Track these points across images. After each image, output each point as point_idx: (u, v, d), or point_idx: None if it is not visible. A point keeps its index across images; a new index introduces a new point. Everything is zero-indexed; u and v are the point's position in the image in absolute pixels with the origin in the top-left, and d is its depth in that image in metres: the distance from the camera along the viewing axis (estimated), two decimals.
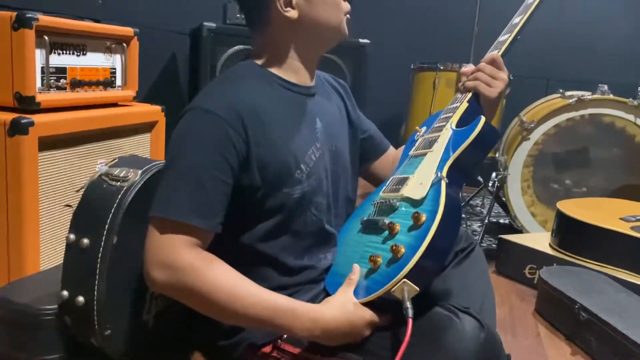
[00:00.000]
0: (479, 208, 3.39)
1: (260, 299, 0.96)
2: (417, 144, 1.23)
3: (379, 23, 3.68)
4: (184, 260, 0.94)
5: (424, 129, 1.28)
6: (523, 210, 2.55)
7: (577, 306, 1.68)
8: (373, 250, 1.03)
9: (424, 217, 0.98)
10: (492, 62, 1.19)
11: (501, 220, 3.10)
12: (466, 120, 1.14)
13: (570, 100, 2.46)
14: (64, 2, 2.21)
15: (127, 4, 2.61)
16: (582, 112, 2.46)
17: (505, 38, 1.26)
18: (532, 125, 2.48)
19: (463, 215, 3.14)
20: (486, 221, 2.65)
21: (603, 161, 2.69)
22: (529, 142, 2.50)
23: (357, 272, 1.04)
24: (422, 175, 1.10)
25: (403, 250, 0.96)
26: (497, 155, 2.86)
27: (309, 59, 1.16)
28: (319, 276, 1.14)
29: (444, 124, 1.19)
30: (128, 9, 2.61)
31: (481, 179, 3.09)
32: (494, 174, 2.82)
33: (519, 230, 2.59)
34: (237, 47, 2.55)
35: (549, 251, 2.17)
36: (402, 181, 1.13)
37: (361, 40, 2.76)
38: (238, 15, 2.60)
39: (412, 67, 3.05)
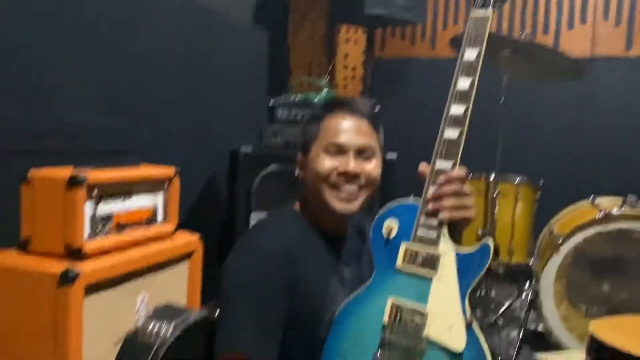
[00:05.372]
0: (517, 312, 3.33)
1: None
2: (403, 253, 1.10)
3: (407, 136, 3.85)
4: None
5: (395, 222, 1.14)
6: (558, 326, 2.51)
7: None
8: None
9: None
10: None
11: (539, 328, 3.03)
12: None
13: (599, 215, 2.46)
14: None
15: (169, 133, 2.76)
16: (611, 226, 2.45)
17: None
18: (560, 242, 2.48)
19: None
20: (521, 336, 2.62)
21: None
22: (559, 256, 2.50)
23: None
24: (444, 314, 1.02)
25: None
26: (531, 261, 2.85)
27: (332, 217, 1.26)
28: None
29: (433, 235, 1.08)
30: (170, 136, 2.76)
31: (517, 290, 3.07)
32: (527, 284, 2.80)
33: (555, 344, 2.54)
34: (270, 168, 2.68)
35: None
36: (415, 315, 1.04)
37: (389, 155, 2.86)
38: (272, 139, 2.77)
39: None
